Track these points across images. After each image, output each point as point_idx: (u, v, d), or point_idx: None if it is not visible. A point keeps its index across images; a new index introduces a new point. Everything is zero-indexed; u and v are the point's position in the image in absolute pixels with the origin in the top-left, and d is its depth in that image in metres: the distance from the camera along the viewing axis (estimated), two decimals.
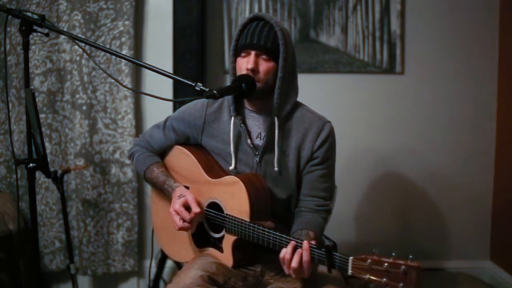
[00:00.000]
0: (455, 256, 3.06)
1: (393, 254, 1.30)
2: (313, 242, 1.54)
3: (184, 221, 1.74)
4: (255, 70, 1.70)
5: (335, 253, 1.43)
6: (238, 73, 1.75)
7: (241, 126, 1.79)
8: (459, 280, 2.85)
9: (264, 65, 1.72)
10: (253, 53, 1.71)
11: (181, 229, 1.76)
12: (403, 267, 1.27)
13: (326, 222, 1.84)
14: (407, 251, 3.17)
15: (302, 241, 1.52)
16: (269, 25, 1.72)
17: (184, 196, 1.76)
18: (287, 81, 1.75)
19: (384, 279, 1.29)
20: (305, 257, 1.50)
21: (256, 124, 1.81)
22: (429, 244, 3.06)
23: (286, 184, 1.81)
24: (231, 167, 1.80)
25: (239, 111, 1.81)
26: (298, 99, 1.85)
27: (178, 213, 1.75)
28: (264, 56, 1.72)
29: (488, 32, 2.95)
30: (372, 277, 1.31)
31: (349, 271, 1.38)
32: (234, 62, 1.78)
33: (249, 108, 1.82)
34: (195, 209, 1.72)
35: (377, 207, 3.05)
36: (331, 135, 1.80)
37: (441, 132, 3.00)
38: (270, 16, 1.74)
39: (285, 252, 1.54)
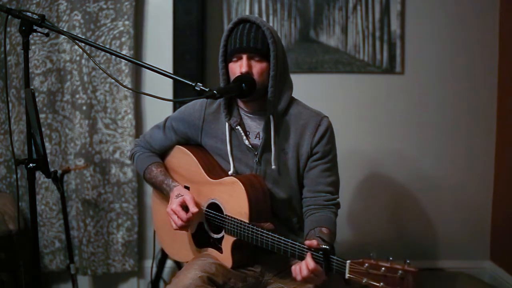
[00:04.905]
0: (455, 256, 3.06)
1: (391, 258, 1.30)
2: (314, 242, 1.51)
3: (181, 220, 1.74)
4: (249, 72, 1.70)
5: (333, 257, 1.42)
6: (232, 78, 1.74)
7: (237, 128, 1.79)
8: (459, 280, 2.85)
9: (257, 67, 1.72)
10: (245, 56, 1.71)
11: (178, 228, 1.77)
12: (400, 271, 1.26)
13: (337, 216, 1.82)
14: (407, 252, 3.15)
15: (304, 252, 1.50)
16: (256, 25, 1.72)
17: (182, 196, 1.77)
18: (280, 78, 1.75)
19: (381, 284, 1.29)
20: (311, 266, 1.46)
21: (254, 124, 1.81)
22: (429, 244, 3.06)
23: (287, 183, 1.81)
24: (230, 171, 1.80)
25: (232, 114, 1.81)
26: (298, 99, 1.85)
27: (175, 213, 1.75)
28: (256, 58, 1.72)
29: (488, 32, 2.94)
30: (369, 281, 1.31)
31: (347, 275, 1.37)
32: (225, 68, 1.77)
33: (246, 110, 1.82)
34: (193, 209, 1.73)
35: (376, 208, 3.05)
36: (329, 129, 1.80)
37: (441, 131, 3.00)
38: (255, 17, 1.74)
39: (294, 274, 1.52)
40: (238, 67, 1.72)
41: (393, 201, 3.05)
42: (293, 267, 1.53)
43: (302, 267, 1.48)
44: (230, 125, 1.80)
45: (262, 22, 1.72)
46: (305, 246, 1.50)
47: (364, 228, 3.06)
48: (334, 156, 1.83)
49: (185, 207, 1.76)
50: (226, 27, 2.89)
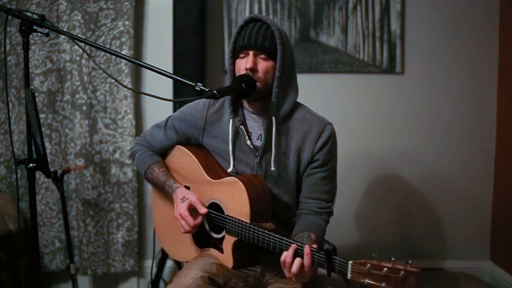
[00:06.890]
0: (455, 256, 3.06)
1: (393, 259, 1.30)
2: (314, 245, 1.52)
3: (189, 226, 1.76)
4: (254, 69, 1.71)
5: (335, 257, 1.42)
6: (238, 75, 1.75)
7: (240, 127, 1.79)
8: (459, 280, 2.85)
9: (262, 64, 1.72)
10: (251, 53, 1.71)
11: (186, 232, 1.79)
12: (402, 272, 1.26)
13: (327, 223, 1.83)
14: (408, 252, 3.16)
15: (304, 244, 1.51)
16: (266, 25, 1.73)
17: (188, 198, 1.77)
18: (285, 80, 1.75)
19: (383, 284, 1.28)
20: (306, 262, 1.49)
21: (256, 125, 1.81)
22: (429, 244, 3.06)
23: (287, 185, 1.81)
24: (230, 169, 1.80)
25: (237, 112, 1.81)
26: (298, 99, 1.84)
27: (183, 218, 1.76)
28: (262, 56, 1.72)
29: (488, 32, 2.95)
30: (371, 282, 1.31)
31: (349, 275, 1.37)
32: (232, 64, 1.78)
33: (250, 110, 1.82)
34: (202, 210, 1.75)
35: (377, 208, 3.05)
36: (332, 137, 1.79)
37: (441, 132, 3.00)
38: (266, 17, 1.75)
39: (286, 256, 1.53)
40: (243, 63, 1.72)
41: (392, 201, 3.05)
42: (282, 259, 1.55)
43: (295, 263, 1.50)
44: (234, 123, 1.79)
45: (273, 22, 1.73)
46: (308, 247, 1.50)
47: (365, 228, 3.05)
48: (334, 164, 1.84)
49: (192, 210, 1.77)
50: (227, 27, 2.93)
